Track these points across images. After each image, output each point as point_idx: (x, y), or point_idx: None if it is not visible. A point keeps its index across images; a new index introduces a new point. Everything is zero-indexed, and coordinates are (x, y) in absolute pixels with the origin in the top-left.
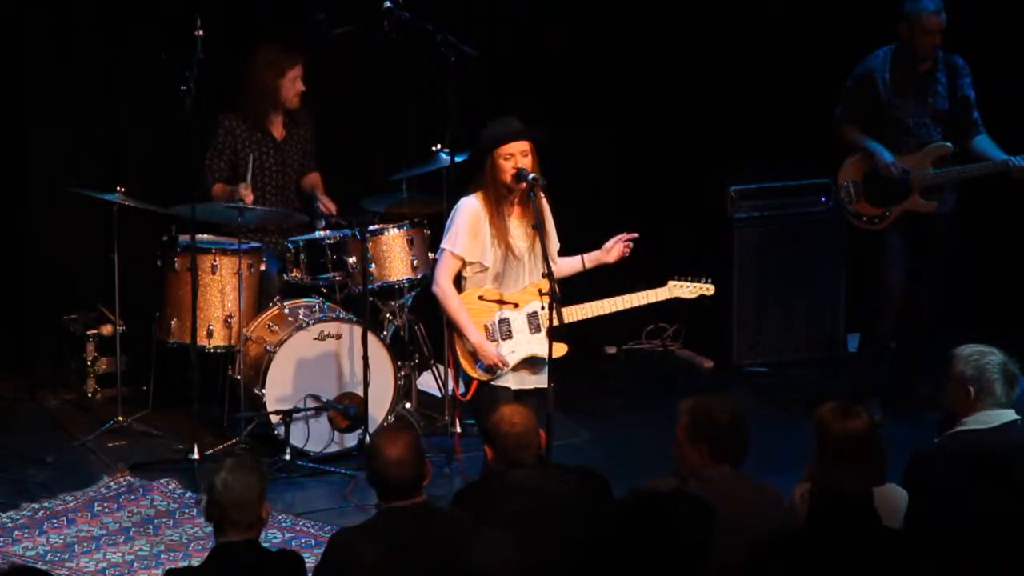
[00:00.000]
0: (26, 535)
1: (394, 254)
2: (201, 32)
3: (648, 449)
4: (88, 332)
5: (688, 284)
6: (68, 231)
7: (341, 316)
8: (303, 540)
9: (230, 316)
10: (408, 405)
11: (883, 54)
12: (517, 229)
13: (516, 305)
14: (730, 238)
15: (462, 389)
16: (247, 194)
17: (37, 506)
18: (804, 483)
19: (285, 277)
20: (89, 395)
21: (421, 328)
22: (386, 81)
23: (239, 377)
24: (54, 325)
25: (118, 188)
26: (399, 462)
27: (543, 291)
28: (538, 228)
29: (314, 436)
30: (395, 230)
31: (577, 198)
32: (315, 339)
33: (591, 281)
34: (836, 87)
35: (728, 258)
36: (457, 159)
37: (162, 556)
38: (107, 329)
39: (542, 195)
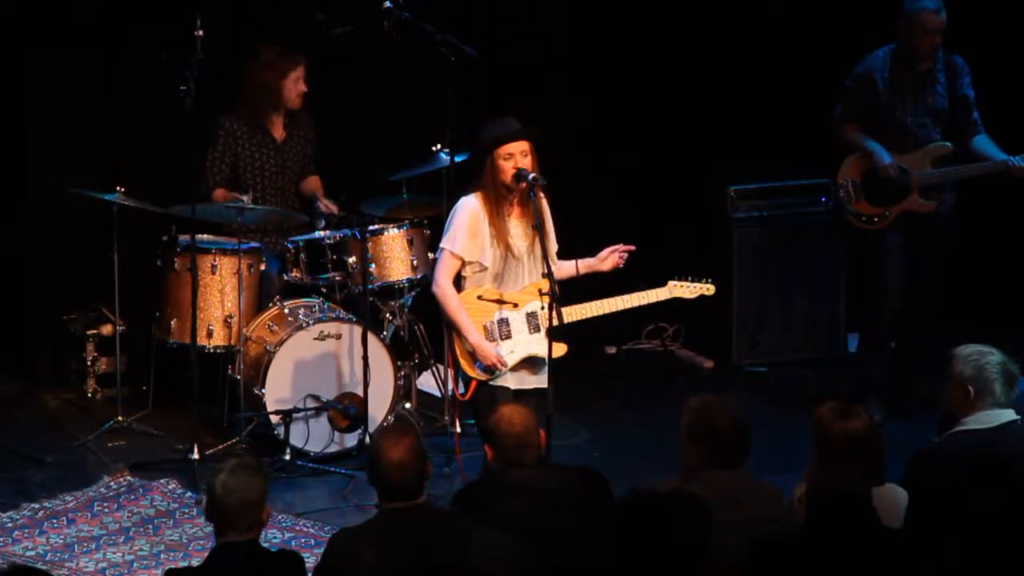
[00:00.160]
0: (26, 535)
1: (394, 254)
2: (201, 32)
3: (648, 449)
4: (88, 332)
5: (688, 284)
6: (68, 231)
7: (341, 316)
8: (303, 540)
9: (230, 316)
10: (408, 405)
11: (883, 54)
12: (517, 229)
13: (515, 305)
14: (730, 238)
15: (461, 389)
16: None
17: (37, 506)
18: (804, 483)
19: (285, 277)
20: (89, 395)
21: (421, 328)
22: (386, 81)
23: (239, 377)
24: (54, 325)
25: (118, 188)
26: (400, 465)
27: (543, 291)
28: (538, 228)
29: (314, 436)
30: (395, 230)
31: (577, 198)
32: (315, 339)
33: (591, 281)
34: (836, 87)
35: (728, 258)
36: (457, 159)
37: (162, 556)
38: (107, 329)
39: (542, 195)
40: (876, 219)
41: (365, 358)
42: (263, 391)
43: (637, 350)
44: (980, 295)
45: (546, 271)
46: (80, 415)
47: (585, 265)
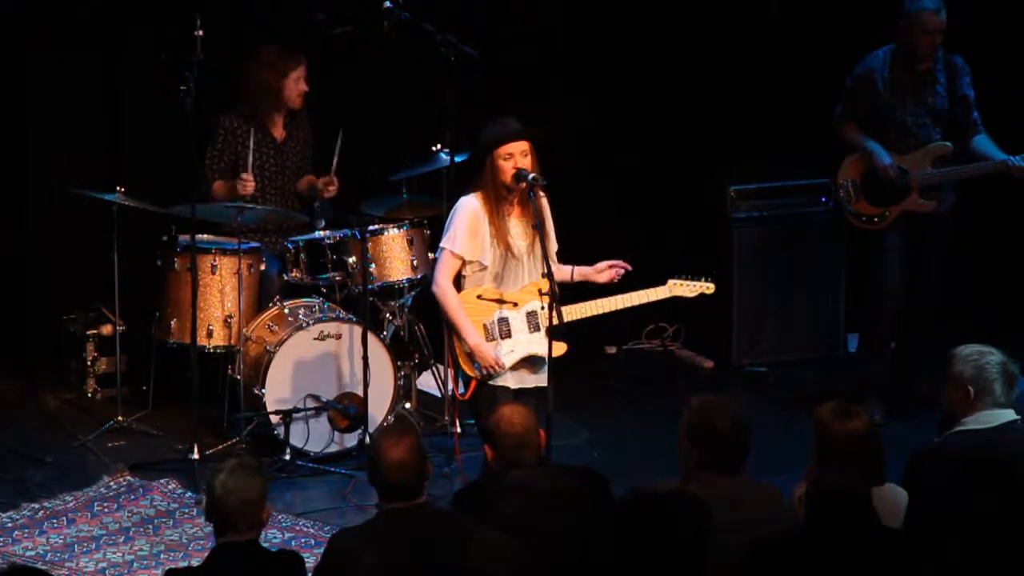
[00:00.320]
0: (26, 535)
1: (394, 254)
2: (201, 32)
3: (648, 449)
4: (88, 332)
5: (688, 283)
6: (68, 231)
7: (341, 316)
8: (303, 540)
9: (230, 316)
10: (408, 405)
11: (883, 54)
12: (517, 229)
13: (515, 304)
14: (730, 238)
15: (461, 389)
16: (248, 179)
17: (37, 506)
18: (804, 483)
19: (285, 277)
20: (89, 395)
21: (421, 328)
22: (386, 81)
23: (239, 377)
24: (54, 325)
25: (118, 188)
26: (400, 465)
27: (542, 290)
28: (538, 228)
29: (314, 436)
30: (395, 230)
31: (577, 198)
32: (315, 339)
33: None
34: (836, 87)
35: (728, 258)
36: (457, 159)
37: (162, 556)
38: (107, 329)
39: (541, 195)
40: (876, 219)
41: (365, 358)
42: (263, 391)
43: (637, 350)
44: (980, 295)
45: (546, 271)
46: (80, 415)
47: (580, 273)
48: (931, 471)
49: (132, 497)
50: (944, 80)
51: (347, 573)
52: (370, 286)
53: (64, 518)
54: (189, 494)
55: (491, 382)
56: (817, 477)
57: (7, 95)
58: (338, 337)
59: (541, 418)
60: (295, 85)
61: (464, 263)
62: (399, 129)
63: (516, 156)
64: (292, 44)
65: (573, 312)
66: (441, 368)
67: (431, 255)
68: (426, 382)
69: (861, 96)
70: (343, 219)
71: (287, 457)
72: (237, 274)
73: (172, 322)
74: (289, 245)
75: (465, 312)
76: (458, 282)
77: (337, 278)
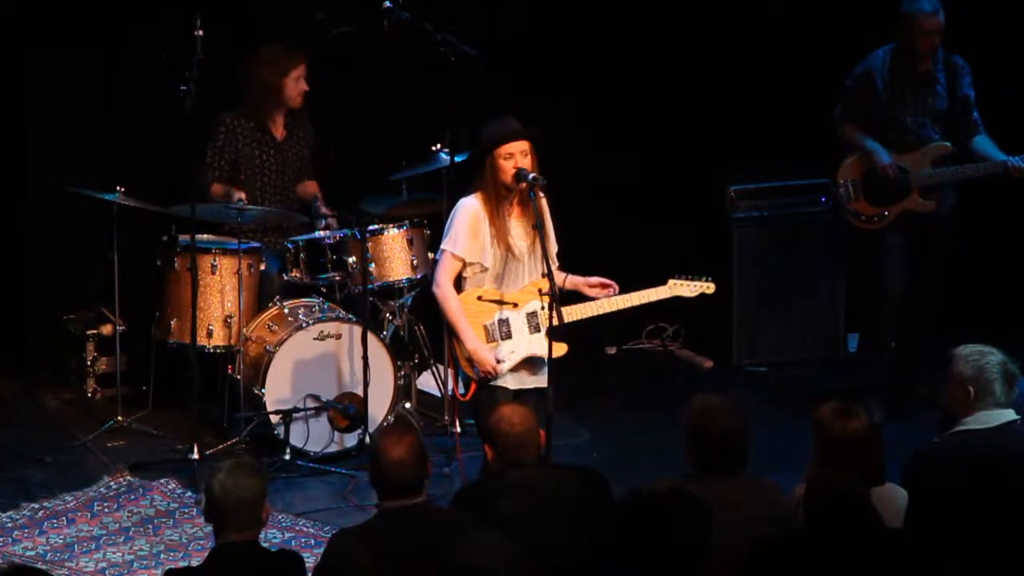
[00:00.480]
0: (26, 535)
1: (394, 254)
2: (201, 32)
3: (648, 449)
4: (88, 332)
5: (688, 282)
6: (68, 231)
7: (341, 316)
8: (303, 540)
9: (230, 316)
10: (408, 405)
11: (883, 54)
12: (517, 229)
13: (515, 305)
14: (730, 238)
15: (461, 389)
16: (242, 198)
17: (37, 506)
18: (804, 484)
19: (285, 277)
20: (89, 395)
21: (421, 328)
22: (386, 81)
23: (239, 377)
24: (54, 325)
25: (118, 188)
26: (401, 463)
27: (543, 291)
28: (538, 228)
29: (314, 436)
30: (395, 230)
31: (577, 198)
32: (315, 339)
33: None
34: (836, 87)
35: (728, 258)
36: (457, 159)
37: (162, 556)
38: (107, 329)
39: (541, 195)
40: (876, 219)
41: (365, 358)
42: (263, 391)
43: (637, 350)
44: (980, 295)
45: (546, 271)
46: (80, 415)
47: (572, 283)
48: (931, 471)
49: (132, 497)
50: (944, 80)
51: (347, 573)
52: (370, 286)
53: (64, 518)
54: (189, 494)
55: (491, 383)
56: (817, 477)
57: (7, 95)
58: (338, 337)
59: (541, 418)
60: (295, 84)
61: (465, 264)
62: (399, 129)
63: (516, 156)
64: (293, 43)
65: (573, 312)
66: (441, 368)
67: (431, 255)
68: (426, 382)
69: (861, 96)
70: (343, 219)
71: (287, 457)
72: (237, 274)
73: (172, 322)
74: (289, 245)
75: (465, 315)
76: (459, 283)
77: (337, 278)
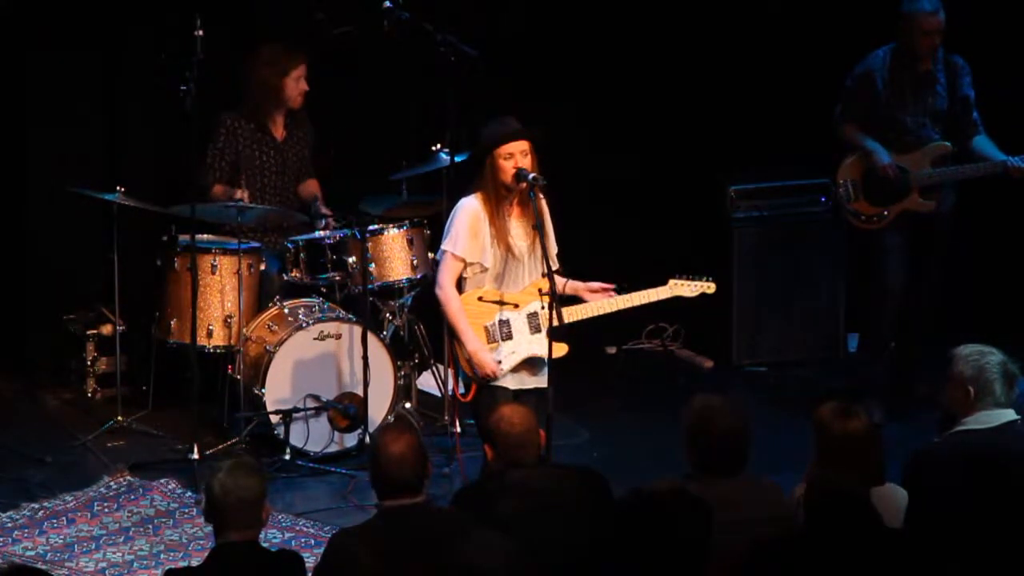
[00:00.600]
0: (26, 535)
1: (394, 254)
2: (201, 32)
3: (648, 449)
4: (88, 332)
5: (689, 282)
6: (68, 231)
7: (341, 316)
8: (303, 540)
9: (230, 316)
10: (408, 405)
11: (883, 54)
12: (517, 229)
13: (516, 306)
14: (730, 238)
15: (462, 390)
16: (243, 197)
17: (37, 506)
18: (804, 483)
19: (285, 277)
20: (89, 395)
21: (421, 328)
22: (386, 81)
23: (239, 377)
24: (54, 325)
25: (118, 188)
26: (402, 459)
27: (543, 291)
28: (538, 228)
29: (314, 436)
30: (395, 230)
31: (577, 198)
32: (315, 339)
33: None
34: (836, 87)
35: (728, 258)
36: (457, 159)
37: (162, 556)
38: (107, 329)
39: (541, 195)
40: (875, 219)
41: (365, 358)
42: (263, 391)
43: (637, 350)
44: (980, 295)
45: (546, 271)
46: (80, 415)
47: (572, 287)
48: (931, 471)
49: (132, 497)
50: (944, 80)
51: (347, 573)
52: (370, 286)
53: (64, 518)
54: (189, 494)
55: (492, 383)
56: (817, 477)
57: (7, 95)
58: (338, 337)
59: (541, 418)
60: (295, 84)
61: (465, 264)
62: (399, 129)
63: (516, 156)
64: (293, 43)
65: (574, 313)
66: (441, 368)
67: (431, 255)
68: (426, 382)
69: (861, 96)
70: (343, 219)
71: (287, 457)
72: (237, 274)
73: (172, 322)
74: (289, 245)
75: (466, 316)
76: (459, 283)
77: (337, 278)
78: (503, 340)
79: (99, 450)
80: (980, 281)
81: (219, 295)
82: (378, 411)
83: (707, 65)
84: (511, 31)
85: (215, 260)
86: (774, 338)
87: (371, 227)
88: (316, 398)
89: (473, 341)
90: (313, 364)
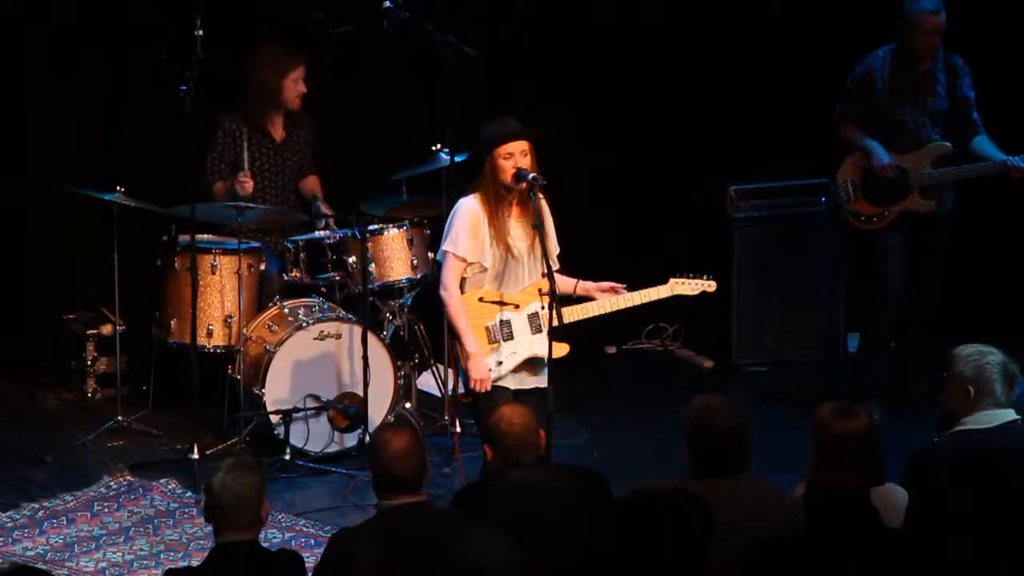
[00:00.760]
0: (26, 535)
1: (394, 254)
2: (201, 32)
3: (648, 449)
4: (88, 332)
5: (690, 281)
6: (68, 231)
7: (341, 316)
8: (303, 540)
9: (230, 316)
10: (408, 405)
11: (883, 54)
12: (516, 229)
13: (517, 306)
14: (730, 238)
15: (463, 389)
16: (246, 180)
17: (37, 506)
18: (804, 484)
19: (285, 277)
20: (89, 395)
21: (421, 328)
22: (386, 81)
23: (239, 377)
24: (54, 325)
25: (118, 188)
26: (405, 453)
27: (543, 290)
28: (538, 228)
29: (314, 436)
30: (395, 230)
31: (577, 198)
32: (315, 339)
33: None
34: (836, 87)
35: (728, 258)
36: (457, 159)
37: (162, 556)
38: (107, 329)
39: (541, 195)
40: (875, 219)
41: (365, 358)
42: (263, 391)
43: (637, 350)
44: (980, 295)
45: (546, 270)
46: (80, 415)
47: (583, 288)
48: (931, 471)
49: (132, 497)
50: (944, 81)
51: (347, 573)
52: (370, 286)
53: (64, 518)
54: (189, 494)
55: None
56: (817, 477)
57: (8, 95)
58: (338, 337)
59: (541, 418)
60: (293, 86)
61: (466, 264)
62: (399, 129)
63: (516, 156)
64: (293, 44)
65: (575, 312)
66: (441, 368)
67: (431, 255)
68: (426, 382)
69: (861, 96)
70: (343, 219)
71: (287, 457)
72: (237, 274)
73: (172, 322)
74: (289, 245)
75: (467, 318)
76: (460, 283)
77: (337, 278)
78: (504, 340)
79: (99, 450)
80: (980, 281)
81: (219, 295)
82: (378, 411)
83: (708, 65)
84: (511, 31)
85: (215, 260)
86: (774, 338)
87: (371, 227)
88: (316, 398)
89: (472, 345)
90: (313, 364)
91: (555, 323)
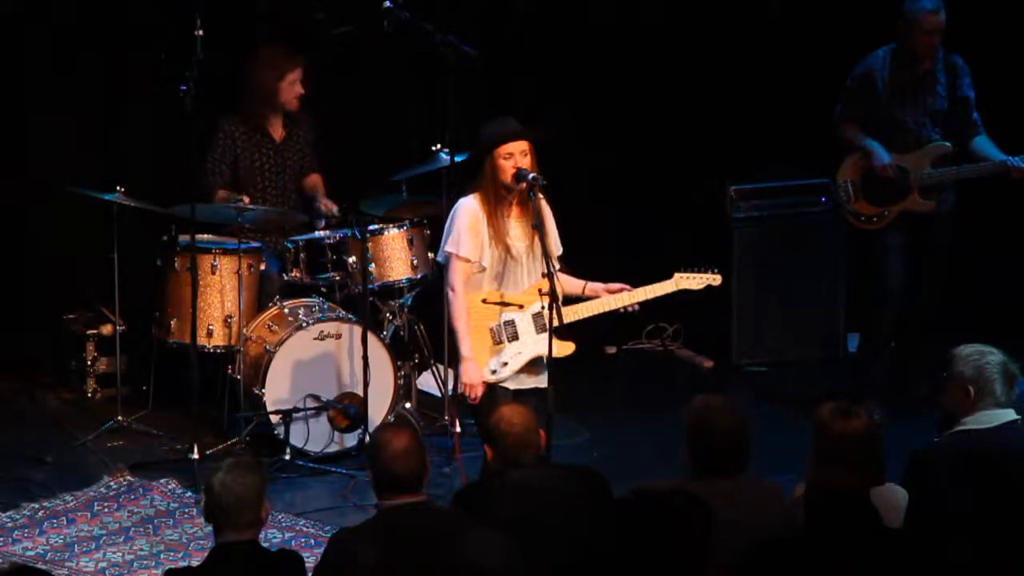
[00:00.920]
0: (26, 535)
1: (394, 254)
2: (201, 32)
3: (648, 449)
4: (88, 332)
5: (694, 275)
6: (68, 231)
7: (341, 316)
8: (303, 540)
9: (230, 316)
10: (408, 405)
11: (883, 54)
12: (516, 230)
13: (520, 307)
14: (730, 238)
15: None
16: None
17: (37, 506)
18: (804, 483)
19: (285, 277)
20: (89, 395)
21: (421, 328)
22: (386, 81)
23: (239, 377)
24: (54, 325)
25: (118, 188)
26: (405, 453)
27: (543, 290)
28: (537, 228)
29: (314, 436)
30: (395, 230)
31: (577, 198)
32: (315, 339)
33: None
34: (836, 87)
35: (728, 258)
36: (457, 159)
37: (162, 556)
38: (107, 329)
39: (541, 195)
40: (875, 219)
41: (365, 358)
42: (263, 391)
43: (637, 350)
44: (980, 295)
45: (546, 270)
46: (80, 415)
47: (592, 289)
48: (931, 471)
49: (132, 497)
50: (944, 81)
51: (347, 573)
52: (370, 286)
53: (64, 518)
54: (189, 494)
55: (491, 383)
56: (817, 477)
57: (8, 95)
58: (338, 337)
59: (541, 418)
60: (291, 88)
61: (470, 265)
62: (399, 129)
63: (516, 156)
64: (292, 45)
65: (578, 311)
66: (441, 368)
67: (431, 255)
68: (426, 382)
69: (861, 96)
70: (343, 219)
71: (287, 457)
72: (237, 274)
73: (172, 322)
74: (289, 245)
75: (468, 322)
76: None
77: (337, 278)
78: (509, 341)
79: (99, 450)
80: (980, 281)
81: (219, 295)
82: (378, 411)
83: (707, 65)
84: (511, 31)
85: (215, 260)
86: (774, 338)
87: (371, 227)
88: (316, 398)
89: (466, 349)
90: (313, 364)
91: (555, 323)
